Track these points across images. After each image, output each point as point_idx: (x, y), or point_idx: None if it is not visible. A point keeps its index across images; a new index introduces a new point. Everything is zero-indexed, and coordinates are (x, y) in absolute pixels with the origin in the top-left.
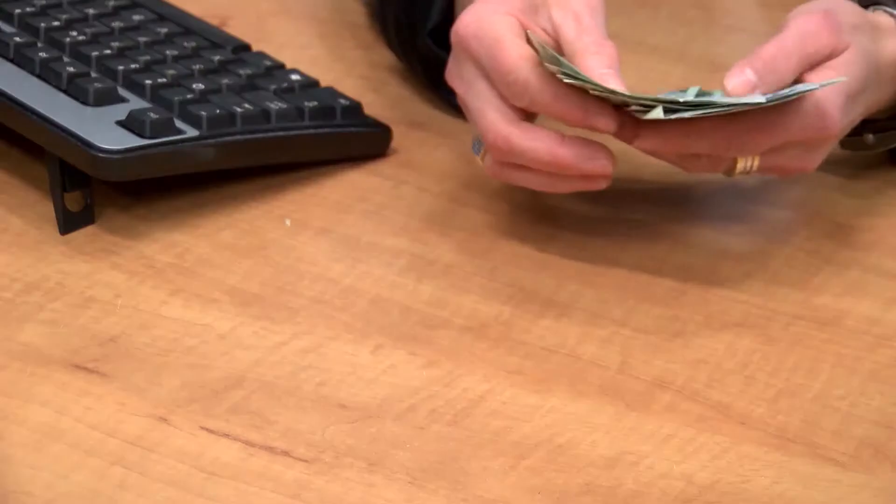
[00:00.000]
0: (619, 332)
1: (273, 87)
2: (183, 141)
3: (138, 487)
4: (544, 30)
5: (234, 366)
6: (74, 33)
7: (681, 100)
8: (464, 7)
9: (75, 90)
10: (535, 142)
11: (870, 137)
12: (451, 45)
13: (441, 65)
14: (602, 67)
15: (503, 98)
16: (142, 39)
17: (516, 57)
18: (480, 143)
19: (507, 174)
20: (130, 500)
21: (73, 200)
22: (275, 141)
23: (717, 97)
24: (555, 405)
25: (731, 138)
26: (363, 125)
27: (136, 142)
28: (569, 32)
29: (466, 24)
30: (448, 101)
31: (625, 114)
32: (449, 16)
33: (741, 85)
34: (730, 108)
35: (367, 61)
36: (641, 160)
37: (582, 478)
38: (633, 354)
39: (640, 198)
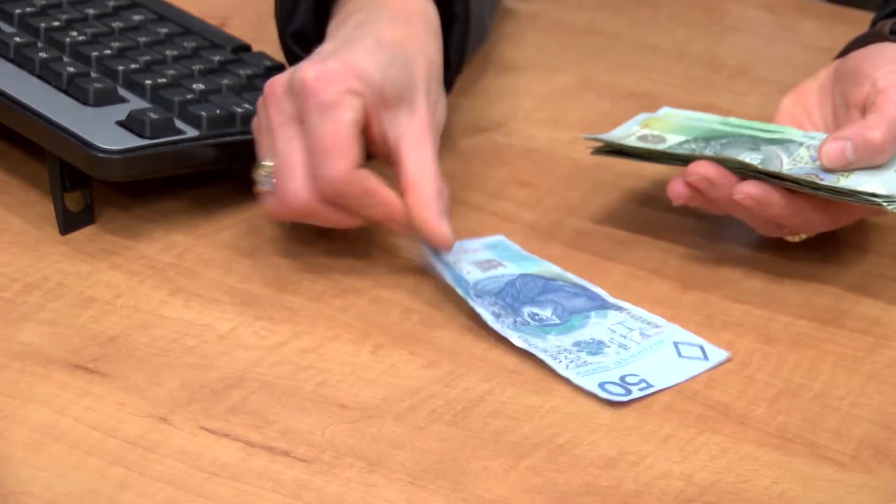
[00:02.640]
0: None
1: None
2: (183, 141)
3: (138, 487)
4: (383, 132)
5: (234, 366)
6: (74, 33)
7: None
8: (337, 28)
9: (75, 90)
10: (335, 216)
11: None
12: (294, 73)
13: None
14: (435, 218)
15: (310, 161)
16: (142, 39)
17: (345, 156)
18: (271, 182)
19: (284, 218)
20: (130, 500)
21: (73, 200)
22: None
23: (845, 182)
24: (555, 405)
25: (822, 220)
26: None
27: (136, 142)
28: (411, 155)
29: (316, 74)
30: None
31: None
32: (316, 22)
33: (837, 159)
34: (848, 198)
35: None
36: (640, 165)
37: (582, 478)
38: None
39: (640, 198)
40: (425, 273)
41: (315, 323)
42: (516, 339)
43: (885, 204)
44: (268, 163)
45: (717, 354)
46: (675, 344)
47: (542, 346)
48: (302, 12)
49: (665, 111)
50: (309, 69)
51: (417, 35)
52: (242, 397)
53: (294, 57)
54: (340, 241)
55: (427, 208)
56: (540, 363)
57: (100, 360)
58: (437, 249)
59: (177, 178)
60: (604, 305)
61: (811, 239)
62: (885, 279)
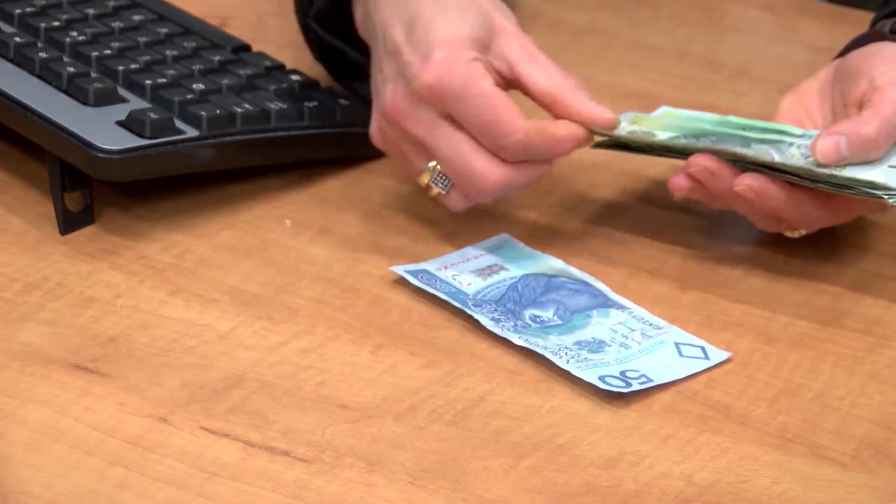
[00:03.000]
0: None
1: (273, 87)
2: (183, 141)
3: (138, 487)
4: (497, 69)
5: (234, 366)
6: (74, 33)
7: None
8: (382, 7)
9: (75, 90)
10: (528, 173)
11: None
12: (410, 83)
13: (327, 48)
14: (590, 107)
15: (478, 141)
16: (142, 39)
17: (512, 117)
18: (445, 180)
19: (478, 203)
20: (130, 500)
21: (73, 200)
22: (275, 141)
23: (847, 172)
24: (555, 405)
25: (822, 214)
26: (363, 125)
27: (136, 142)
28: (533, 72)
29: (434, 72)
30: (346, 86)
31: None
32: (338, 4)
33: (831, 154)
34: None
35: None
36: (641, 161)
37: (582, 478)
38: None
39: (639, 198)
40: None
41: (315, 323)
42: (517, 339)
43: (885, 196)
44: (431, 165)
45: (718, 355)
46: (677, 344)
47: (542, 345)
48: None
49: (663, 110)
50: (424, 74)
51: None
52: (242, 397)
53: (317, 38)
54: (340, 241)
55: (579, 107)
56: (540, 363)
57: (100, 360)
58: (608, 129)
59: (177, 178)
60: (606, 303)
61: (811, 238)
62: (884, 279)
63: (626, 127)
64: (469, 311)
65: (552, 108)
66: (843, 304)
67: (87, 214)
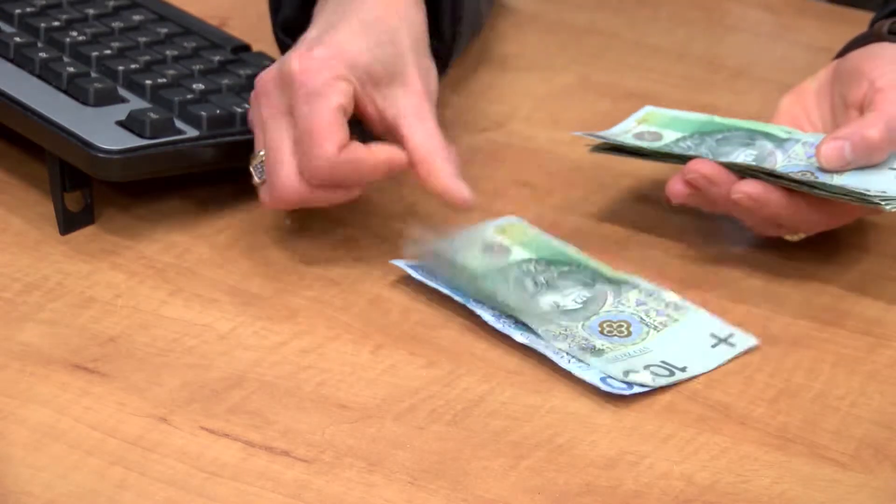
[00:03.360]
0: None
1: None
2: (183, 141)
3: (138, 487)
4: (381, 108)
5: (234, 366)
6: (74, 33)
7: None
8: (321, 11)
9: (75, 90)
10: (327, 196)
11: None
12: (282, 65)
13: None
14: (453, 180)
15: (299, 150)
16: (142, 39)
17: (330, 142)
18: (263, 172)
19: (279, 207)
20: (130, 500)
21: (73, 200)
22: None
23: (839, 180)
24: (555, 405)
25: (820, 219)
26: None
27: (136, 142)
28: (415, 129)
29: (302, 64)
30: None
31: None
32: (302, 8)
33: (835, 159)
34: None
35: None
36: (640, 165)
37: (582, 478)
38: None
39: (640, 198)
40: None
41: (315, 323)
42: (518, 336)
43: (882, 203)
44: (260, 154)
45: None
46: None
47: (543, 344)
48: (288, 1)
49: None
50: (294, 60)
51: (399, 7)
52: (242, 397)
53: (286, 48)
54: (341, 241)
55: (441, 175)
56: (540, 363)
57: (100, 360)
58: (459, 208)
59: (177, 178)
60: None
61: (810, 239)
62: (884, 279)
63: (634, 128)
64: (470, 306)
65: (417, 167)
66: (843, 304)
67: (87, 214)
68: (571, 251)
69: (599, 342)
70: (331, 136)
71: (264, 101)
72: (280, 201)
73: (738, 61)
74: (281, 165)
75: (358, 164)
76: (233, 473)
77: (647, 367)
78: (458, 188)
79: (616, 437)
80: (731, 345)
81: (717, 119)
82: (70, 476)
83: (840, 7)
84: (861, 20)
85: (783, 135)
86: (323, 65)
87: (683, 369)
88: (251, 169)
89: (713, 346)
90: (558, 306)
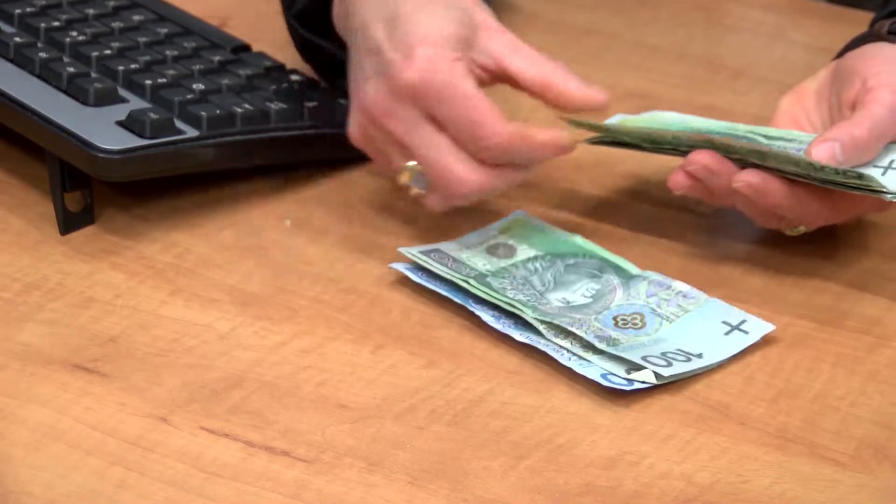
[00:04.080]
0: None
1: (273, 87)
2: (183, 141)
3: (138, 487)
4: (482, 64)
5: (234, 366)
6: (74, 33)
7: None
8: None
9: (75, 90)
10: (507, 177)
11: None
12: (390, 82)
13: (310, 46)
14: (582, 87)
15: (457, 143)
16: (142, 40)
17: (495, 119)
18: (425, 181)
19: (456, 205)
20: (130, 500)
21: (73, 200)
22: (275, 141)
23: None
24: (555, 405)
25: (821, 210)
26: None
27: (136, 142)
28: (520, 63)
29: (417, 70)
30: (332, 84)
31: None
32: (321, 1)
33: (826, 160)
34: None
35: None
36: (641, 160)
37: (582, 478)
38: None
39: (640, 197)
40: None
41: (315, 323)
42: (518, 336)
43: (885, 193)
44: (410, 164)
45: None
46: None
47: (543, 342)
48: None
49: (652, 113)
50: (406, 71)
51: None
52: (242, 397)
53: (298, 36)
54: (340, 241)
55: (571, 89)
56: (540, 363)
57: (100, 360)
58: (602, 108)
59: (177, 178)
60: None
61: (811, 238)
62: (884, 279)
63: (617, 126)
64: (470, 307)
65: (544, 95)
66: (843, 304)
67: (87, 214)
68: (578, 240)
69: (615, 333)
70: (493, 117)
71: (389, 120)
72: (460, 195)
73: (738, 61)
74: (450, 164)
75: (527, 139)
76: (233, 473)
77: (664, 353)
78: (593, 91)
79: (616, 437)
80: (745, 332)
81: (704, 123)
82: (70, 476)
83: (840, 7)
84: (861, 20)
85: (771, 139)
86: (432, 60)
87: (700, 356)
88: (404, 182)
89: (726, 334)
90: (568, 303)
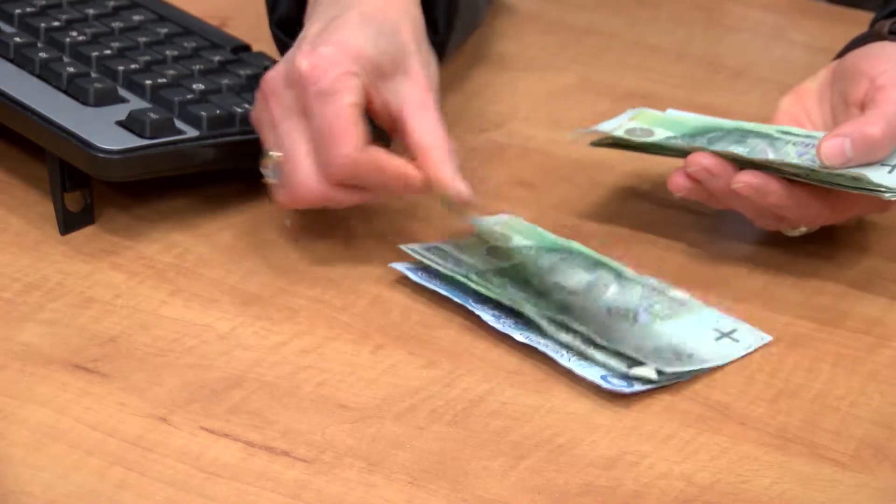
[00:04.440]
0: None
1: None
2: (183, 141)
3: (138, 487)
4: (385, 101)
5: (234, 366)
6: (74, 33)
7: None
8: (316, 5)
9: (75, 90)
10: (346, 196)
11: None
12: (289, 65)
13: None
14: (452, 177)
15: (316, 149)
16: (142, 40)
17: (351, 140)
18: (278, 173)
19: (297, 206)
20: (130, 500)
21: (73, 200)
22: None
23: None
24: (555, 405)
25: (821, 210)
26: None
27: (136, 142)
28: (418, 121)
29: (312, 62)
30: None
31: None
32: (298, 5)
33: (836, 156)
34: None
35: None
36: (642, 161)
37: (582, 478)
38: None
39: (640, 197)
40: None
41: (315, 323)
42: (518, 336)
43: (884, 192)
44: (273, 154)
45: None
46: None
47: (543, 342)
48: None
49: (669, 112)
50: (303, 59)
51: (397, 0)
52: (242, 397)
53: (283, 45)
54: (341, 241)
55: (442, 168)
56: (540, 363)
57: (100, 360)
58: (458, 204)
59: (177, 178)
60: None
61: (811, 238)
62: (884, 279)
63: (626, 124)
64: (470, 307)
65: (418, 159)
66: (843, 304)
67: (87, 214)
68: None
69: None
70: (350, 136)
71: (273, 101)
72: (298, 201)
73: (738, 61)
74: (299, 166)
75: (378, 167)
76: (233, 473)
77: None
78: (456, 184)
79: (616, 437)
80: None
81: (710, 121)
82: (70, 476)
83: (840, 7)
84: (861, 20)
85: (776, 133)
86: (331, 62)
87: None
88: (263, 170)
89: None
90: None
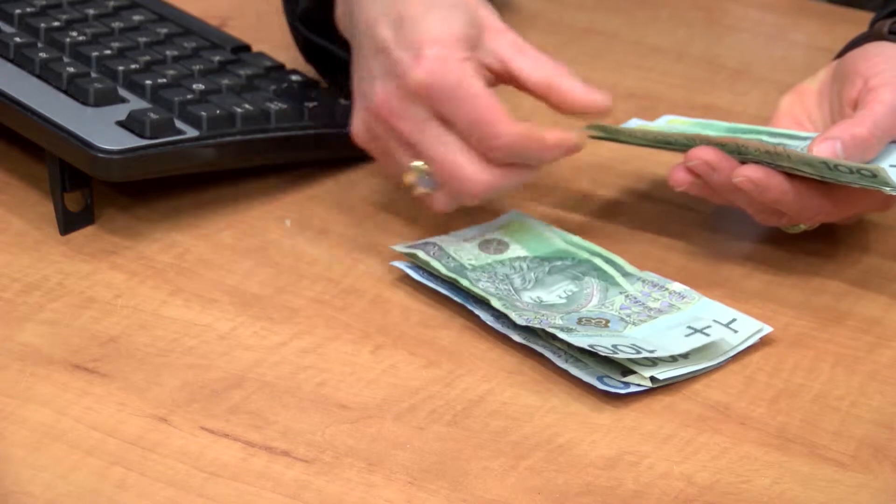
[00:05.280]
0: None
1: (273, 87)
2: (183, 141)
3: (138, 487)
4: (487, 64)
5: (234, 366)
6: (74, 33)
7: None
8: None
9: (75, 90)
10: (515, 176)
11: None
12: (399, 81)
13: (314, 47)
14: (585, 90)
15: (466, 143)
16: (142, 40)
17: (504, 119)
18: (432, 181)
19: (464, 204)
20: (130, 500)
21: (73, 200)
22: (275, 141)
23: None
24: (555, 405)
25: (822, 205)
26: None
27: (136, 142)
28: (525, 64)
29: (427, 69)
30: (336, 85)
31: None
32: (320, 1)
33: (828, 158)
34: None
35: None
36: (642, 160)
37: (582, 478)
38: None
39: (640, 197)
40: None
41: (315, 323)
42: (517, 337)
43: (884, 187)
44: (417, 165)
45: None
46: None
47: (541, 343)
48: None
49: (666, 118)
50: (414, 71)
51: None
52: (242, 397)
53: (302, 39)
54: (340, 241)
55: (573, 92)
56: (540, 363)
57: (100, 360)
58: (603, 113)
59: (177, 178)
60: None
61: (811, 238)
62: (884, 279)
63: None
64: (470, 307)
65: (548, 98)
66: (843, 304)
67: (87, 214)
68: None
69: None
70: (501, 114)
71: (398, 121)
72: (469, 195)
73: (738, 61)
74: (462, 163)
75: (537, 137)
76: (233, 473)
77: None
78: (596, 95)
79: (616, 437)
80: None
81: (732, 126)
82: (70, 476)
83: (840, 7)
84: (861, 20)
85: (775, 139)
86: (443, 60)
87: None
88: (412, 182)
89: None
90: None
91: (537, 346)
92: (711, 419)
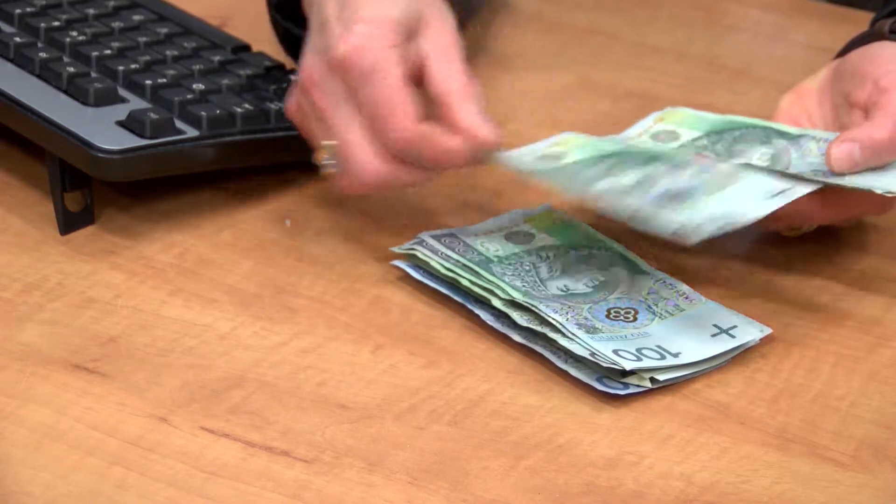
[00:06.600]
0: None
1: (273, 87)
2: (183, 141)
3: (138, 487)
4: (412, 58)
5: (234, 366)
6: (74, 33)
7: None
8: None
9: (75, 90)
10: (409, 175)
11: None
12: (325, 53)
13: (291, 37)
14: (474, 119)
15: (371, 130)
16: (142, 39)
17: (405, 114)
18: (337, 161)
19: (360, 191)
20: (130, 500)
21: (73, 200)
22: (275, 141)
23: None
24: (555, 405)
25: (821, 211)
26: None
27: (136, 142)
28: (438, 68)
29: (351, 45)
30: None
31: None
32: None
33: (845, 160)
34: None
35: None
36: None
37: (582, 478)
38: None
39: None
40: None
41: (315, 323)
42: (517, 337)
43: (881, 191)
44: (327, 143)
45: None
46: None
47: (541, 343)
48: None
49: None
50: (339, 44)
51: None
52: (242, 397)
53: (280, 29)
54: (341, 241)
55: (462, 113)
56: (540, 363)
57: (100, 360)
58: (481, 149)
59: (177, 178)
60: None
61: (811, 238)
62: (884, 279)
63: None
64: (470, 306)
65: (441, 112)
66: (843, 304)
67: (87, 214)
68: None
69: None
70: (405, 108)
71: (316, 92)
72: (361, 184)
73: (738, 61)
74: (357, 149)
75: (434, 140)
76: (233, 473)
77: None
78: (482, 128)
79: (616, 437)
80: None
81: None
82: (70, 476)
83: (840, 7)
84: (861, 20)
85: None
86: (370, 38)
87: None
88: (320, 161)
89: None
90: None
91: (537, 347)
92: (711, 419)
